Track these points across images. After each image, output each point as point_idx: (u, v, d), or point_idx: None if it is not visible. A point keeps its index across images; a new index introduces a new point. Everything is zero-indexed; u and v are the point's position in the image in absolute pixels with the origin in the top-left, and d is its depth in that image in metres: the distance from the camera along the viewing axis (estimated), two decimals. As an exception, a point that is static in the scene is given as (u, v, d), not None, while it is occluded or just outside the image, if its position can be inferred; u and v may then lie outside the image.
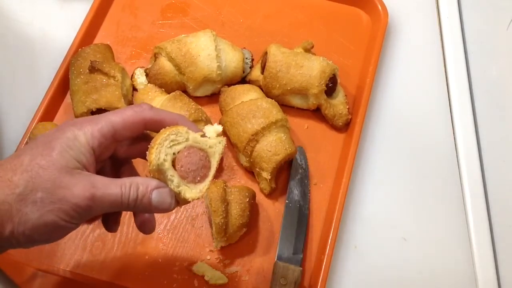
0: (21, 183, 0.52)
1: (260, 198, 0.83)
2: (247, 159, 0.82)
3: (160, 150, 0.56)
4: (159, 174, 0.57)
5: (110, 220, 0.65)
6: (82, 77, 0.84)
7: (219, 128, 0.60)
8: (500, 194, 0.84)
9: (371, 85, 0.88)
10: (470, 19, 0.98)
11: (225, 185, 0.77)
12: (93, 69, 0.83)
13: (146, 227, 0.64)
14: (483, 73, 0.92)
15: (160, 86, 0.86)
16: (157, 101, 0.82)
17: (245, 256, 0.79)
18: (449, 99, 0.92)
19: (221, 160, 0.83)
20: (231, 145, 0.85)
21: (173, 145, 0.57)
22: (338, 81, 0.87)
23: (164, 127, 0.58)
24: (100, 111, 0.82)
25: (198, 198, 0.58)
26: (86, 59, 0.85)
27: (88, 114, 0.83)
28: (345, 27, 0.97)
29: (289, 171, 0.83)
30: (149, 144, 0.59)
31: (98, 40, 0.95)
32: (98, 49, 0.87)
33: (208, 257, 0.79)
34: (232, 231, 0.75)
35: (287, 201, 0.82)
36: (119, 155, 0.63)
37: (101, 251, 0.78)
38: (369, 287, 0.80)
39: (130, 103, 0.87)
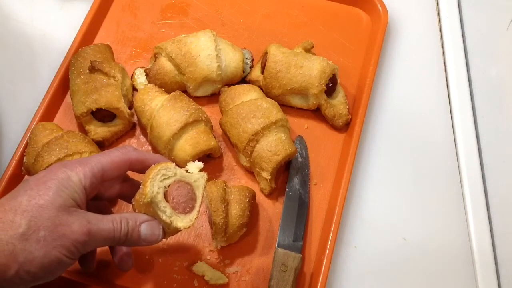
0: (23, 223, 0.55)
1: (260, 198, 0.83)
2: (247, 159, 0.82)
3: (153, 184, 0.61)
4: (147, 208, 0.63)
5: (87, 260, 0.69)
6: (82, 77, 0.84)
7: (201, 164, 0.67)
8: (500, 194, 0.84)
9: (371, 85, 0.88)
10: (470, 19, 0.98)
11: (225, 185, 0.77)
12: (93, 69, 0.83)
13: (124, 263, 0.69)
14: (483, 73, 0.93)
15: (160, 86, 0.86)
16: (157, 101, 0.82)
17: (245, 256, 0.79)
18: (449, 99, 0.92)
19: (221, 160, 0.84)
20: (231, 145, 0.85)
21: (164, 179, 0.62)
22: (338, 81, 0.87)
23: (147, 167, 0.64)
24: (100, 111, 0.82)
25: (189, 227, 0.64)
26: (86, 59, 0.85)
27: (88, 114, 0.83)
28: (345, 27, 0.97)
29: (289, 171, 0.83)
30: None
31: (98, 40, 0.96)
32: (98, 49, 0.87)
33: (208, 257, 0.79)
34: (232, 231, 0.75)
35: (287, 189, 0.82)
36: (100, 195, 0.68)
37: (101, 251, 0.77)
38: (369, 287, 0.80)
39: (130, 103, 0.87)
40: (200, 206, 0.65)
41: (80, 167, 0.61)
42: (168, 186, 0.63)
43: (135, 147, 0.85)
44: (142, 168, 0.65)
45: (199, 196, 0.65)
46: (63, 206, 0.58)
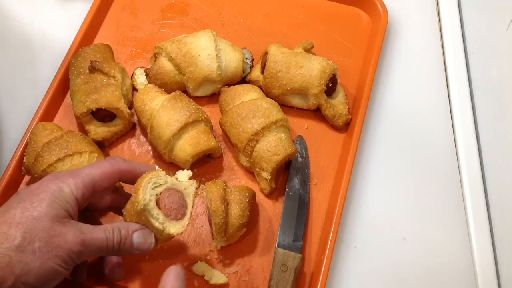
0: (18, 235, 0.56)
1: (260, 198, 0.83)
2: (247, 159, 0.82)
3: (145, 192, 0.62)
4: (139, 216, 0.63)
5: (78, 271, 0.70)
6: (82, 77, 0.84)
7: (190, 172, 0.68)
8: (500, 194, 0.84)
9: (371, 85, 0.88)
10: (470, 19, 0.98)
11: (225, 185, 0.77)
12: (93, 69, 0.83)
13: (115, 273, 0.71)
14: (483, 73, 0.92)
15: (160, 86, 0.86)
16: (157, 101, 0.82)
17: (245, 256, 0.79)
18: (449, 99, 0.92)
19: (221, 160, 0.85)
20: (231, 145, 0.85)
21: (155, 187, 0.64)
22: (338, 81, 0.87)
23: (137, 177, 0.65)
24: (100, 111, 0.82)
25: (181, 233, 0.65)
26: (86, 59, 0.85)
27: (88, 114, 0.83)
28: (345, 27, 0.97)
29: (289, 171, 0.83)
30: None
31: (98, 40, 0.96)
32: (98, 49, 0.87)
33: (208, 257, 0.79)
34: (232, 231, 0.75)
35: (287, 189, 0.82)
36: (92, 206, 0.68)
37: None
38: (369, 287, 0.80)
39: (130, 103, 0.87)
40: (191, 213, 0.67)
41: (71, 179, 0.62)
42: (160, 194, 0.64)
43: (134, 148, 0.85)
44: (132, 178, 0.67)
45: (189, 203, 0.67)
46: (57, 217, 0.58)
